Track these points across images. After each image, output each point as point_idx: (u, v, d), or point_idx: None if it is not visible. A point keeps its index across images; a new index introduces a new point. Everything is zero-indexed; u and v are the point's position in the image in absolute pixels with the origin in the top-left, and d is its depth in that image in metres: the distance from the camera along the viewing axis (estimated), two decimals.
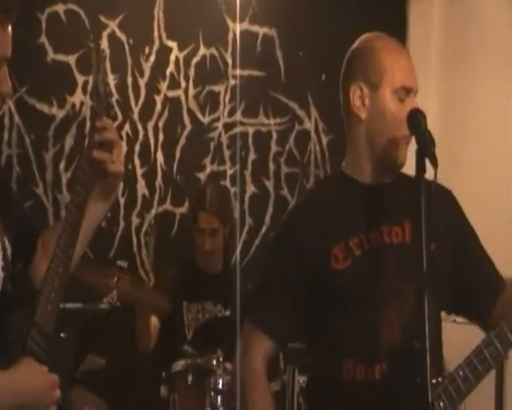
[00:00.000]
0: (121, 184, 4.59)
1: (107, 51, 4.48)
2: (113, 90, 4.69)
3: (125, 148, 4.70)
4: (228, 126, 5.00)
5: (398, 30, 4.99)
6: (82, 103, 4.68)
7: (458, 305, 2.71)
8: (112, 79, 4.70)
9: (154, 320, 4.43)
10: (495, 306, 2.66)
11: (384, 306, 2.63)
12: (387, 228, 2.66)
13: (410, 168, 2.48)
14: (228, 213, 4.62)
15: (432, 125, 2.44)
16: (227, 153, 5.00)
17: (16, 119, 4.49)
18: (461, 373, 2.46)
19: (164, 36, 4.87)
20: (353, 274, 2.63)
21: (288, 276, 2.71)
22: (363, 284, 2.63)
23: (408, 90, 2.60)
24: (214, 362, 3.92)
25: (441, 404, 2.38)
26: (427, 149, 2.35)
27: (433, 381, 2.26)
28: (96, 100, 2.43)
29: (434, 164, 2.34)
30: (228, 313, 4.40)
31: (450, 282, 2.48)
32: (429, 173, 2.37)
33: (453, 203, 2.78)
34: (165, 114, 4.88)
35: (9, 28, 2.20)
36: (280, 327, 2.72)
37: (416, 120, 2.44)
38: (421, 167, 2.34)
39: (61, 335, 2.54)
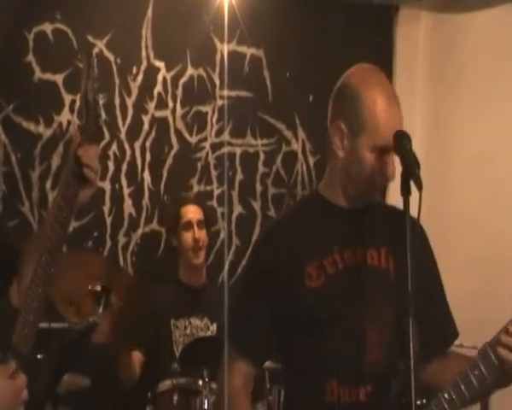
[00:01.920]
0: (108, 204, 4.72)
1: (96, 71, 4.60)
2: (100, 108, 4.72)
3: (112, 167, 4.76)
4: (215, 147, 5.01)
5: (384, 52, 5.03)
6: (69, 122, 4.67)
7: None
8: (100, 99, 4.72)
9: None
10: (441, 355, 2.69)
11: (361, 326, 2.62)
12: (362, 250, 2.66)
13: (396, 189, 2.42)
14: (209, 213, 4.68)
15: (417, 147, 2.44)
16: (214, 173, 5.00)
17: (3, 137, 4.48)
18: (446, 396, 2.46)
19: (152, 56, 4.87)
20: (327, 292, 2.62)
21: (261, 297, 2.70)
22: (336, 303, 2.62)
23: (385, 149, 2.57)
24: (200, 382, 3.93)
25: None
26: (411, 171, 2.35)
27: (418, 402, 2.25)
28: (85, 108, 2.47)
29: (419, 186, 2.33)
30: (214, 326, 4.38)
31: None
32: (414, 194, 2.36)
33: (424, 239, 2.75)
34: (153, 133, 4.88)
35: None
36: (255, 350, 2.73)
37: (402, 143, 2.44)
38: (405, 189, 2.35)
39: (38, 356, 2.54)
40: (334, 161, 2.69)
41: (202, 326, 4.46)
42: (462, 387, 2.49)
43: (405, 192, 2.35)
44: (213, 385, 3.85)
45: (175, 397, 3.97)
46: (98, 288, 4.05)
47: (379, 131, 2.57)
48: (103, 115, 4.69)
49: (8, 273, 2.42)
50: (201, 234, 4.55)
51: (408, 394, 2.21)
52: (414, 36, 5.28)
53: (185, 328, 4.48)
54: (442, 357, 2.70)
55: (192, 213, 4.58)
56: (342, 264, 2.64)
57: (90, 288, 4.05)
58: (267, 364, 3.86)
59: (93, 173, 2.37)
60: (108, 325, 4.09)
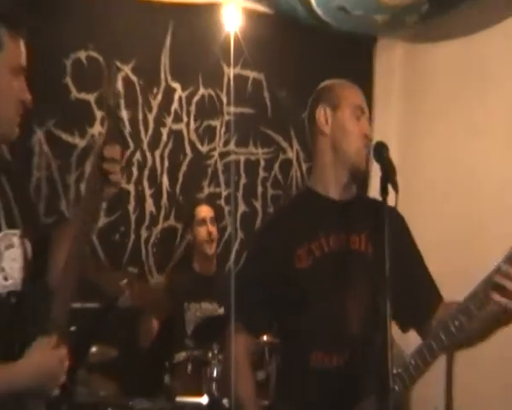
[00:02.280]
0: (132, 203, 4.74)
1: (122, 91, 4.64)
2: (126, 124, 4.68)
3: (136, 172, 4.75)
4: (223, 155, 5.02)
5: (365, 76, 5.05)
6: (100, 134, 4.63)
7: (400, 315, 2.57)
8: (125, 114, 4.69)
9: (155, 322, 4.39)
10: (432, 318, 2.66)
11: (343, 302, 2.61)
12: (346, 236, 2.67)
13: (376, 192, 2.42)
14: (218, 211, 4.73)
15: (393, 155, 2.45)
16: (222, 177, 5.02)
17: (45, 147, 4.49)
18: (412, 362, 2.47)
19: (169, 78, 4.88)
20: (314, 272, 2.63)
21: (260, 277, 2.70)
22: (322, 282, 2.63)
23: (361, 111, 2.69)
24: (210, 354, 3.90)
25: (396, 388, 2.36)
26: (389, 176, 2.36)
27: (394, 371, 2.27)
28: (107, 113, 2.44)
29: (395, 189, 2.35)
30: (222, 310, 4.37)
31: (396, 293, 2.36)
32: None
33: (404, 227, 2.78)
34: (170, 144, 4.89)
35: (22, 42, 2.20)
36: (256, 323, 2.74)
37: (380, 152, 2.45)
38: (384, 191, 2.35)
39: (71, 329, 2.54)
40: (321, 144, 2.73)
41: (211, 309, 4.46)
42: (426, 353, 2.49)
43: (384, 193, 2.35)
44: (221, 356, 3.81)
45: (189, 367, 3.97)
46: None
47: (351, 96, 2.71)
48: (125, 121, 4.73)
49: (45, 259, 2.35)
50: (213, 229, 4.60)
51: (385, 364, 2.19)
52: (390, 62, 5.30)
53: (196, 311, 4.46)
54: (439, 308, 2.67)
55: (205, 211, 4.63)
56: (328, 248, 2.65)
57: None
58: (267, 339, 3.90)
59: (115, 167, 2.26)
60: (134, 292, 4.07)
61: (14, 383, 2.11)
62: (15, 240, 2.22)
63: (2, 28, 2.15)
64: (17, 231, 2.23)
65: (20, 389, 2.12)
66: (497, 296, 2.37)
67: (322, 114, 2.70)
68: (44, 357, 2.15)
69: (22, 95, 2.19)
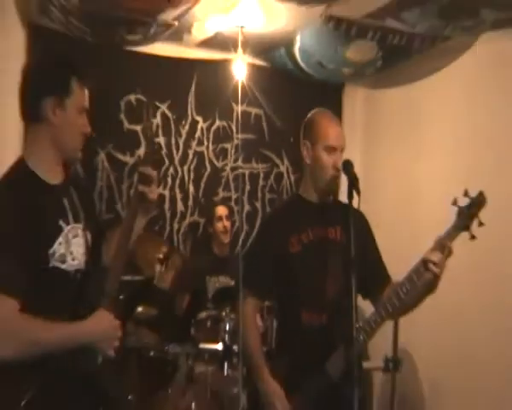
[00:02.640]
0: (167, 204, 4.78)
1: (160, 123, 4.69)
2: (163, 146, 4.73)
3: (170, 182, 4.78)
4: (233, 169, 5.02)
5: (336, 111, 4.94)
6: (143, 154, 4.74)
7: (361, 287, 2.55)
8: (162, 140, 4.75)
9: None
10: (382, 293, 2.65)
11: (323, 277, 2.63)
12: (325, 228, 2.68)
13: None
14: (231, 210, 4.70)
15: (357, 170, 2.49)
16: (232, 185, 5.02)
17: (106, 164, 4.56)
18: (373, 318, 2.53)
19: (194, 113, 4.89)
20: (303, 255, 2.65)
21: (264, 256, 2.71)
22: (308, 261, 2.65)
23: (334, 148, 2.63)
24: (224, 313, 3.90)
25: (361, 337, 2.46)
26: (354, 185, 2.41)
27: (357, 325, 2.32)
28: (145, 139, 2.45)
29: (358, 194, 2.42)
30: (233, 282, 4.33)
31: (358, 272, 2.37)
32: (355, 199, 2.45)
33: (365, 222, 2.79)
34: (194, 161, 4.90)
35: (86, 89, 2.16)
36: (260, 290, 2.74)
37: (348, 167, 2.49)
38: (350, 195, 2.41)
39: (120, 297, 2.51)
40: (306, 171, 2.74)
41: (226, 282, 4.46)
42: (382, 312, 2.53)
43: (350, 197, 2.41)
44: (232, 315, 3.83)
45: (208, 323, 3.95)
46: (161, 256, 4.09)
47: (327, 136, 2.64)
48: (162, 145, 4.67)
49: (100, 246, 2.32)
50: (228, 223, 4.63)
51: (351, 322, 2.23)
52: (354, 102, 5.29)
53: (215, 282, 4.46)
54: (388, 285, 2.68)
55: (222, 210, 4.67)
56: (312, 237, 2.67)
57: (157, 255, 4.09)
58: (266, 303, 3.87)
59: (151, 188, 2.22)
60: (170, 277, 4.09)
61: (78, 337, 2.05)
62: (79, 231, 2.17)
63: (73, 78, 2.11)
64: (81, 225, 2.18)
65: (82, 343, 2.06)
66: (431, 266, 2.40)
67: (305, 148, 2.70)
68: (101, 320, 2.09)
69: (85, 129, 2.17)
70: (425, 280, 2.44)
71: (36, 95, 2.09)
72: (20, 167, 2.11)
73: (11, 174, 2.12)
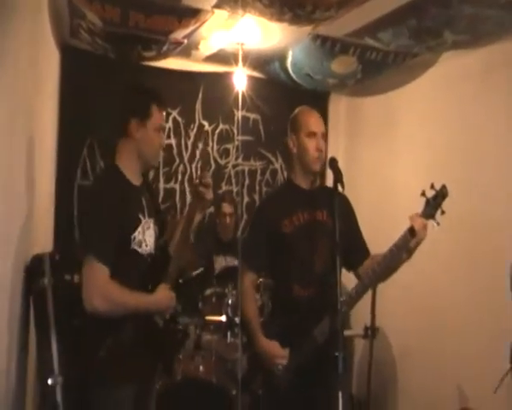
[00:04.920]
0: (177, 197, 4.71)
1: (172, 126, 4.68)
2: (174, 146, 4.70)
3: (180, 177, 4.74)
4: (234, 166, 4.99)
5: (322, 114, 4.86)
6: None
7: (345, 261, 2.57)
8: (173, 141, 4.73)
9: None
10: (362, 264, 2.68)
11: (312, 254, 2.63)
12: (314, 211, 2.67)
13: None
14: (235, 206, 4.62)
15: (341, 165, 2.48)
16: (234, 180, 5.00)
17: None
18: (354, 291, 2.57)
19: (201, 118, 4.87)
20: (294, 235, 2.65)
21: (260, 235, 2.69)
22: (299, 240, 2.64)
23: (314, 133, 2.65)
24: (227, 290, 3.89)
25: (344, 309, 2.46)
26: (339, 179, 2.40)
27: (341, 299, 2.27)
28: (202, 160, 2.72)
29: (343, 186, 2.41)
30: (236, 262, 4.30)
31: (342, 247, 2.37)
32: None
33: (349, 204, 2.78)
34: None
35: (164, 112, 2.44)
36: (257, 265, 2.74)
37: (333, 163, 2.46)
38: (335, 187, 2.39)
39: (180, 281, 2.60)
40: (294, 160, 2.72)
41: (230, 261, 4.41)
42: (363, 285, 2.55)
43: (335, 189, 2.39)
44: (234, 292, 3.79)
45: (213, 298, 3.95)
46: None
47: (307, 123, 2.67)
48: (173, 145, 4.62)
49: (165, 238, 2.51)
50: (231, 221, 4.52)
51: (336, 294, 2.20)
52: (338, 109, 5.27)
53: (220, 262, 4.44)
54: (367, 258, 2.70)
55: (227, 208, 4.52)
56: (303, 219, 2.66)
57: None
58: (262, 279, 3.84)
59: (208, 189, 2.48)
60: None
61: (151, 305, 2.30)
62: (151, 224, 2.37)
63: (153, 103, 2.34)
64: (152, 219, 2.39)
65: (151, 310, 2.31)
66: (415, 220, 2.40)
67: (291, 140, 2.70)
68: (164, 295, 2.34)
69: (162, 143, 2.44)
70: (406, 247, 2.44)
71: (124, 116, 2.33)
72: (113, 170, 2.35)
73: (106, 174, 2.42)
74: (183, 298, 3.83)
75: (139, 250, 2.30)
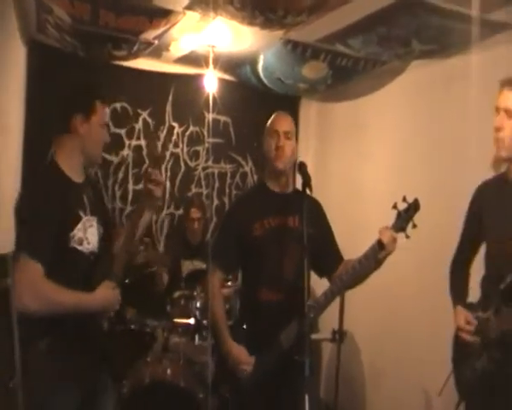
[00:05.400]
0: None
1: (142, 127, 4.66)
2: (144, 147, 4.66)
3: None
4: (204, 168, 5.01)
5: (293, 118, 4.87)
6: (127, 155, 4.68)
7: (317, 267, 2.65)
8: (143, 143, 4.70)
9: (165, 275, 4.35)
10: (336, 270, 2.66)
11: (281, 258, 2.61)
12: (285, 216, 2.65)
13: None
14: (204, 210, 4.61)
15: (310, 170, 2.51)
16: (204, 182, 5.01)
17: None
18: (323, 297, 2.54)
19: (171, 120, 4.87)
20: (264, 238, 2.63)
21: (230, 237, 2.67)
22: (269, 244, 2.62)
23: (276, 131, 2.63)
24: (195, 293, 3.86)
25: (311, 314, 2.42)
26: (307, 183, 2.44)
27: (308, 303, 2.31)
28: (150, 157, 2.60)
29: (311, 190, 2.45)
30: (205, 266, 4.30)
31: (314, 253, 2.42)
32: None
33: (321, 209, 2.80)
34: (171, 161, 4.88)
35: (107, 108, 2.41)
36: (226, 265, 2.71)
37: (302, 167, 2.49)
38: (304, 190, 2.44)
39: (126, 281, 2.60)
40: (265, 162, 2.72)
41: (198, 265, 4.41)
42: (330, 293, 2.53)
43: (304, 192, 2.43)
44: (202, 294, 3.76)
45: (182, 301, 3.92)
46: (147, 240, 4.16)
47: (276, 125, 2.65)
48: (142, 146, 4.64)
49: (110, 236, 2.46)
50: (198, 226, 4.52)
51: (304, 299, 2.23)
52: (309, 113, 5.31)
53: (188, 265, 4.42)
54: (340, 264, 2.68)
55: (195, 213, 4.53)
56: (274, 223, 2.65)
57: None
58: (230, 284, 3.91)
59: (156, 187, 2.43)
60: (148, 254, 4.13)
61: (91, 304, 2.23)
62: (94, 223, 2.33)
63: (97, 99, 2.33)
64: (96, 218, 2.34)
65: (93, 309, 2.24)
66: (384, 235, 2.39)
67: (265, 144, 2.70)
68: (106, 293, 2.27)
69: (106, 139, 2.40)
70: (375, 259, 2.44)
71: (68, 112, 2.30)
72: (51, 166, 2.28)
73: (43, 171, 2.31)
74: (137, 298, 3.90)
75: (80, 248, 2.24)
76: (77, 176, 2.33)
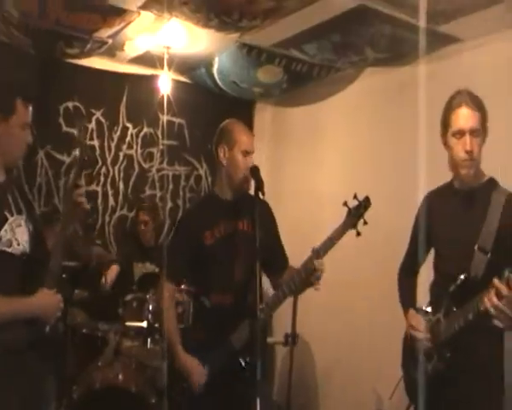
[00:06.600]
0: (100, 199, 4.66)
1: (95, 127, 4.61)
2: (97, 148, 4.63)
3: (102, 179, 4.67)
4: (158, 170, 4.97)
5: (248, 124, 4.97)
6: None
7: (267, 270, 2.67)
8: (97, 142, 4.67)
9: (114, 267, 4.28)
10: (283, 275, 2.70)
11: (233, 263, 2.62)
12: (236, 222, 2.66)
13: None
14: (155, 213, 4.58)
15: (263, 174, 2.52)
16: (157, 185, 4.97)
17: (45, 162, 4.45)
18: (272, 299, 2.56)
19: (125, 120, 4.83)
20: (215, 246, 2.63)
21: (180, 247, 2.66)
22: (220, 252, 2.63)
23: (248, 152, 2.63)
24: (148, 296, 3.75)
25: (262, 315, 2.42)
26: (260, 187, 2.39)
27: (260, 306, 2.31)
28: (79, 147, 2.40)
29: (263, 195, 2.42)
30: (157, 269, 4.31)
31: (263, 256, 2.38)
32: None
33: (270, 212, 2.79)
34: (125, 162, 4.83)
35: (30, 106, 2.21)
36: (176, 274, 2.67)
37: (255, 172, 2.51)
38: (256, 194, 2.41)
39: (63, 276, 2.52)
40: (220, 171, 2.69)
41: (150, 268, 4.39)
42: (280, 294, 2.55)
43: (256, 196, 2.41)
44: (154, 297, 3.69)
45: (134, 304, 3.85)
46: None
47: (242, 142, 2.62)
48: (96, 147, 4.59)
49: (42, 234, 2.33)
50: (148, 228, 4.51)
51: (255, 301, 2.23)
52: (264, 117, 5.31)
53: (140, 268, 4.39)
54: (286, 269, 2.72)
55: (143, 217, 4.53)
56: (224, 231, 2.64)
57: None
58: (183, 287, 3.88)
59: (81, 195, 2.25)
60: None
61: (27, 310, 2.11)
62: (22, 222, 2.21)
63: (17, 98, 2.17)
64: (23, 216, 2.23)
65: (31, 314, 2.11)
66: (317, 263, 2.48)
67: (222, 152, 2.66)
68: (45, 298, 2.15)
69: (27, 140, 2.23)
70: (312, 277, 2.50)
71: None
72: None
73: None
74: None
75: (9, 250, 2.14)
76: None
